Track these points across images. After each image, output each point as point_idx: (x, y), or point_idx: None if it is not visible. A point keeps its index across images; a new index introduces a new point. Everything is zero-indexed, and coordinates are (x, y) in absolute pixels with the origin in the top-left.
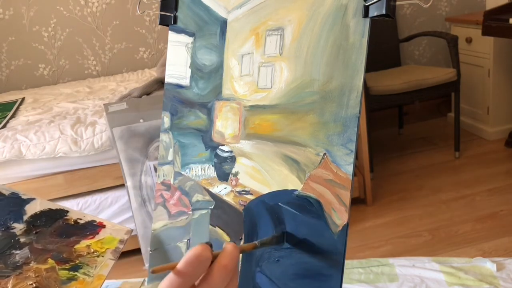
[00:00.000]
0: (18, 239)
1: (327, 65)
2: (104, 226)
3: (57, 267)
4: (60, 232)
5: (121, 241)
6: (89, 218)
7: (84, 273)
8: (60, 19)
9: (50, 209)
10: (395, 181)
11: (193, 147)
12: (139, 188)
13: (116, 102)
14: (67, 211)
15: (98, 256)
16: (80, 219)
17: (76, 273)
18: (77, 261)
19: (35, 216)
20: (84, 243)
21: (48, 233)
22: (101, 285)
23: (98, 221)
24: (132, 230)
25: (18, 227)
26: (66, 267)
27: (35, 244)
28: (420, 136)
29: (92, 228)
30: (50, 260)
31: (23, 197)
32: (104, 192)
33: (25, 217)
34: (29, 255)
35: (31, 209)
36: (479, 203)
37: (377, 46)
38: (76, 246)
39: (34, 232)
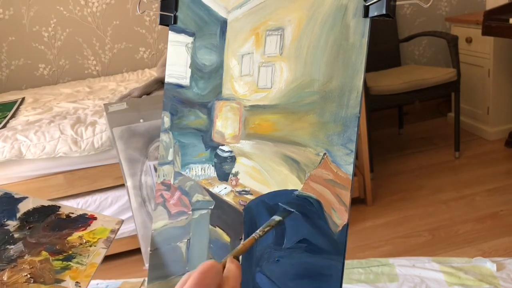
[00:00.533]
0: (12, 235)
1: (327, 65)
2: (95, 218)
3: (50, 258)
4: (52, 226)
5: (112, 231)
6: (80, 212)
7: (77, 262)
8: (60, 19)
9: (43, 206)
10: (395, 181)
11: (193, 147)
12: (139, 188)
13: (116, 102)
14: (59, 207)
15: (90, 246)
16: (72, 213)
17: (69, 262)
18: (70, 252)
19: (28, 213)
20: (76, 234)
21: (41, 228)
22: (94, 272)
23: (89, 214)
24: (123, 221)
25: (12, 224)
26: (60, 258)
27: (29, 239)
28: (420, 136)
29: (83, 220)
30: (43, 252)
31: (16, 196)
32: (104, 192)
33: (18, 215)
34: (23, 249)
35: (24, 207)
36: (479, 203)
37: (377, 46)
38: (69, 238)
39: (27, 227)
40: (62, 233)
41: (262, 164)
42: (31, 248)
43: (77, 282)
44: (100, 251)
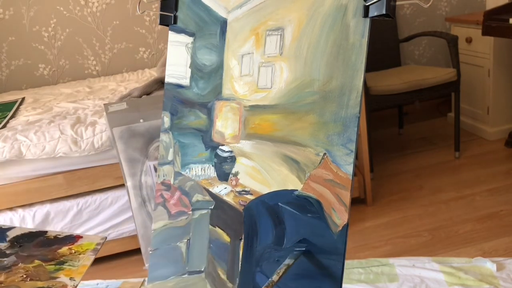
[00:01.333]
0: (4, 251)
1: (327, 65)
2: (81, 237)
3: (43, 264)
4: (42, 244)
5: (98, 244)
6: (67, 233)
7: (69, 265)
8: (60, 19)
9: (30, 232)
10: (395, 181)
11: (193, 147)
12: (139, 188)
13: (116, 102)
14: (46, 231)
15: (79, 254)
16: (59, 235)
17: (62, 266)
18: (62, 259)
19: (17, 237)
20: (65, 248)
21: (31, 245)
22: (86, 270)
23: (75, 234)
24: (106, 237)
25: (2, 245)
26: (52, 264)
27: (21, 253)
28: (420, 136)
29: (71, 239)
30: (36, 261)
31: (4, 227)
32: (104, 192)
33: (8, 238)
34: (16, 260)
35: (12, 234)
36: (479, 203)
37: (377, 46)
38: (59, 250)
39: (18, 246)
40: (52, 247)
41: (262, 164)
42: (24, 259)
43: (71, 277)
44: (89, 257)
